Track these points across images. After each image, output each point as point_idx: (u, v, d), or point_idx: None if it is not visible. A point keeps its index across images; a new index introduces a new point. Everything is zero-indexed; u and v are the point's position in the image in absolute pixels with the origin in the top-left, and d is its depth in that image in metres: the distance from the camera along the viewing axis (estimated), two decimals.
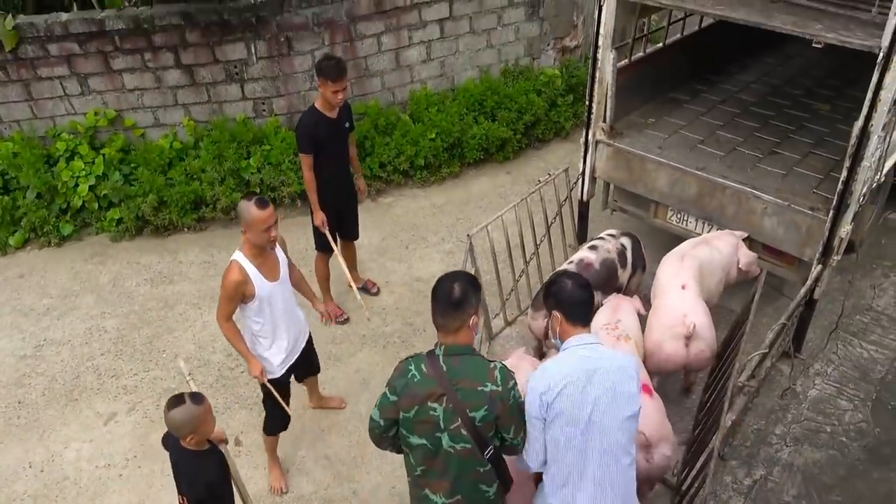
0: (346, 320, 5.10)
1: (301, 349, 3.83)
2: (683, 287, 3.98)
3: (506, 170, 6.96)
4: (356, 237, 5.10)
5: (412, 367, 2.59)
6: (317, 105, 4.43)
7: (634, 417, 2.59)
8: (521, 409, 2.61)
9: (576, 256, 4.40)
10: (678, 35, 5.97)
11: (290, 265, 3.72)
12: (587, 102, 5.00)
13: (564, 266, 4.35)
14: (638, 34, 5.35)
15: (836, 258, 4.19)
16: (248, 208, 3.28)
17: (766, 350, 3.61)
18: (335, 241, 4.75)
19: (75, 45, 5.96)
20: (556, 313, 2.70)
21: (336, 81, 4.27)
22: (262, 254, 3.42)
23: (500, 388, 2.52)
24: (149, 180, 5.98)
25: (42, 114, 6.26)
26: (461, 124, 6.73)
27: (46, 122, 6.30)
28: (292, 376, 3.87)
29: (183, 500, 2.90)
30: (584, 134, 5.13)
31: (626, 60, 5.29)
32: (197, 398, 2.78)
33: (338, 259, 4.70)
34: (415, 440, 2.60)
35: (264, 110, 6.54)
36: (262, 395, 3.76)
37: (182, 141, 6.39)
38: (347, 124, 4.61)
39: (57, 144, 6.15)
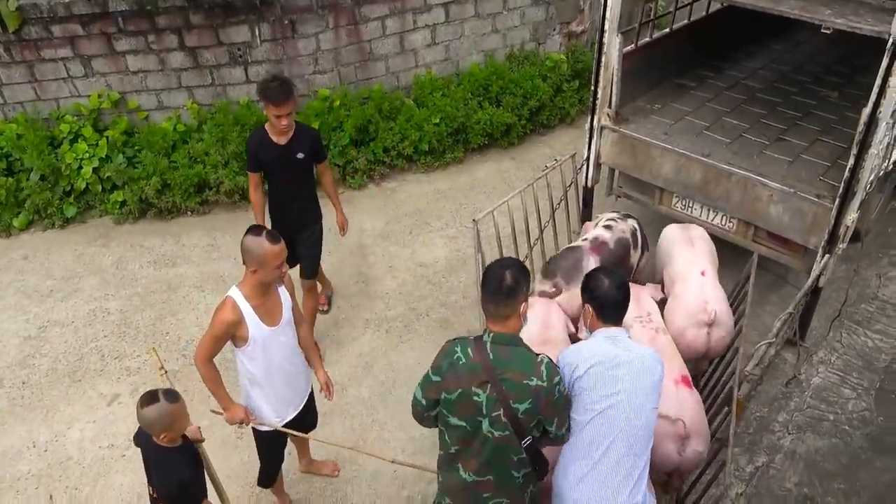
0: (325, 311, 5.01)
1: (302, 405, 3.44)
2: (703, 273, 3.96)
3: (510, 155, 6.93)
4: (311, 276, 4.50)
5: (458, 350, 2.58)
6: (266, 127, 4.01)
7: (653, 411, 2.66)
8: (567, 403, 2.63)
9: (590, 234, 4.37)
10: (685, 20, 5.92)
11: (295, 310, 3.29)
12: (593, 87, 4.97)
13: (578, 243, 4.32)
14: (644, 19, 5.31)
15: (841, 246, 4.17)
16: (262, 244, 2.88)
17: (773, 339, 3.60)
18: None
19: (78, 27, 5.92)
20: (588, 307, 2.76)
21: (279, 105, 3.75)
22: (265, 293, 3.03)
23: (545, 384, 2.49)
24: (152, 163, 5.97)
25: (46, 95, 6.24)
26: (466, 109, 6.70)
27: (50, 103, 6.28)
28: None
29: (153, 492, 2.85)
30: (589, 119, 5.10)
31: (633, 45, 5.25)
32: (171, 395, 2.68)
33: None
34: (454, 421, 2.59)
35: None
36: (255, 442, 3.49)
37: (186, 124, 6.37)
38: (302, 154, 4.05)
39: (61, 126, 6.13)
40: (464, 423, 2.57)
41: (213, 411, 3.43)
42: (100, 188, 6.07)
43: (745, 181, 4.50)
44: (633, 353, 2.68)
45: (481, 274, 4.43)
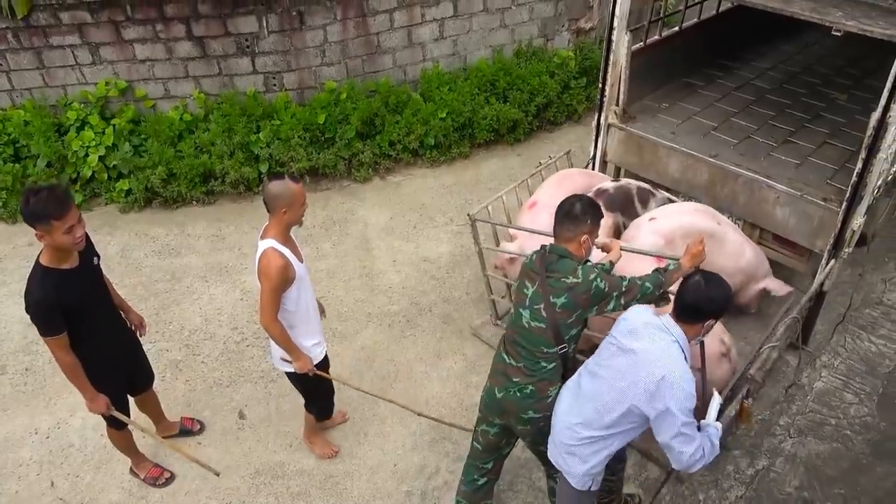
0: (170, 479, 3.94)
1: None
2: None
3: (516, 152, 6.91)
4: (152, 382, 3.88)
5: (534, 255, 3.07)
6: (45, 262, 3.03)
7: (631, 412, 2.73)
8: (609, 290, 2.90)
9: (597, 186, 4.52)
10: (695, 19, 5.88)
11: None
12: (600, 85, 4.95)
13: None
14: (654, 17, 5.28)
15: (847, 251, 4.15)
16: (288, 186, 3.08)
17: (777, 343, 3.59)
18: (126, 410, 3.61)
19: (87, 14, 5.92)
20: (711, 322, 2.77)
21: (64, 215, 2.89)
22: (288, 237, 3.25)
23: (580, 280, 2.88)
24: (158, 152, 5.97)
25: (53, 82, 6.25)
26: (472, 104, 6.68)
27: (58, 90, 6.28)
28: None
29: None
30: (596, 117, 5.09)
31: (642, 43, 5.22)
32: None
33: (137, 425, 3.60)
34: (513, 307, 3.11)
35: (275, 85, 6.50)
36: (303, 387, 3.63)
37: (192, 113, 6.37)
38: (95, 258, 3.29)
39: (68, 114, 6.14)
40: (515, 310, 3.06)
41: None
42: (106, 176, 6.08)
43: (752, 183, 4.48)
44: (661, 355, 2.67)
45: (483, 266, 4.51)
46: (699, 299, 2.69)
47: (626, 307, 2.97)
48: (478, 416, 3.35)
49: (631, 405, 2.70)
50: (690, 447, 2.63)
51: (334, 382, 3.80)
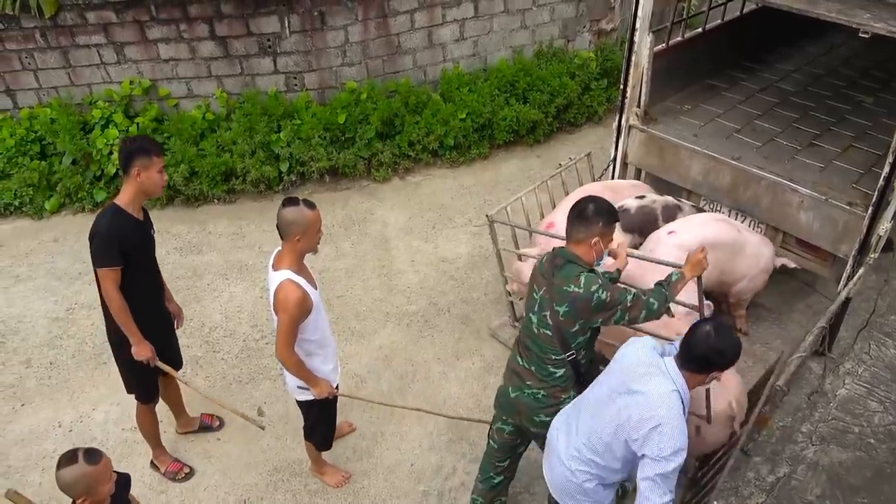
0: (189, 474, 4.00)
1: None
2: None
3: (536, 153, 6.89)
4: (180, 367, 3.97)
5: (545, 257, 3.05)
6: (120, 203, 3.27)
7: (616, 444, 2.67)
8: (611, 303, 2.86)
9: (619, 203, 4.42)
10: (718, 20, 5.83)
11: None
12: (622, 86, 4.91)
13: None
14: (676, 18, 5.24)
15: (873, 256, 4.08)
16: (302, 212, 2.98)
17: (804, 353, 3.54)
18: (156, 388, 3.79)
19: (112, 14, 6.01)
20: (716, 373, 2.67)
21: (161, 156, 3.27)
22: (302, 265, 3.15)
23: (581, 291, 2.84)
24: (181, 150, 6.04)
25: (79, 81, 6.34)
26: (492, 105, 6.67)
27: (83, 89, 6.38)
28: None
29: None
30: (617, 119, 5.06)
31: (664, 45, 5.18)
32: (92, 456, 2.44)
33: (180, 379, 3.79)
34: (526, 312, 3.10)
35: (296, 85, 6.54)
36: (311, 415, 3.55)
37: (214, 112, 6.43)
38: (153, 230, 3.53)
39: (93, 112, 6.23)
40: (527, 315, 3.06)
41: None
42: None
43: (775, 186, 4.42)
44: (646, 395, 2.58)
45: (501, 267, 4.50)
46: (708, 351, 2.57)
47: (632, 322, 2.94)
48: (494, 414, 3.36)
49: (624, 442, 2.64)
50: (656, 498, 2.53)
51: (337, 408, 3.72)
